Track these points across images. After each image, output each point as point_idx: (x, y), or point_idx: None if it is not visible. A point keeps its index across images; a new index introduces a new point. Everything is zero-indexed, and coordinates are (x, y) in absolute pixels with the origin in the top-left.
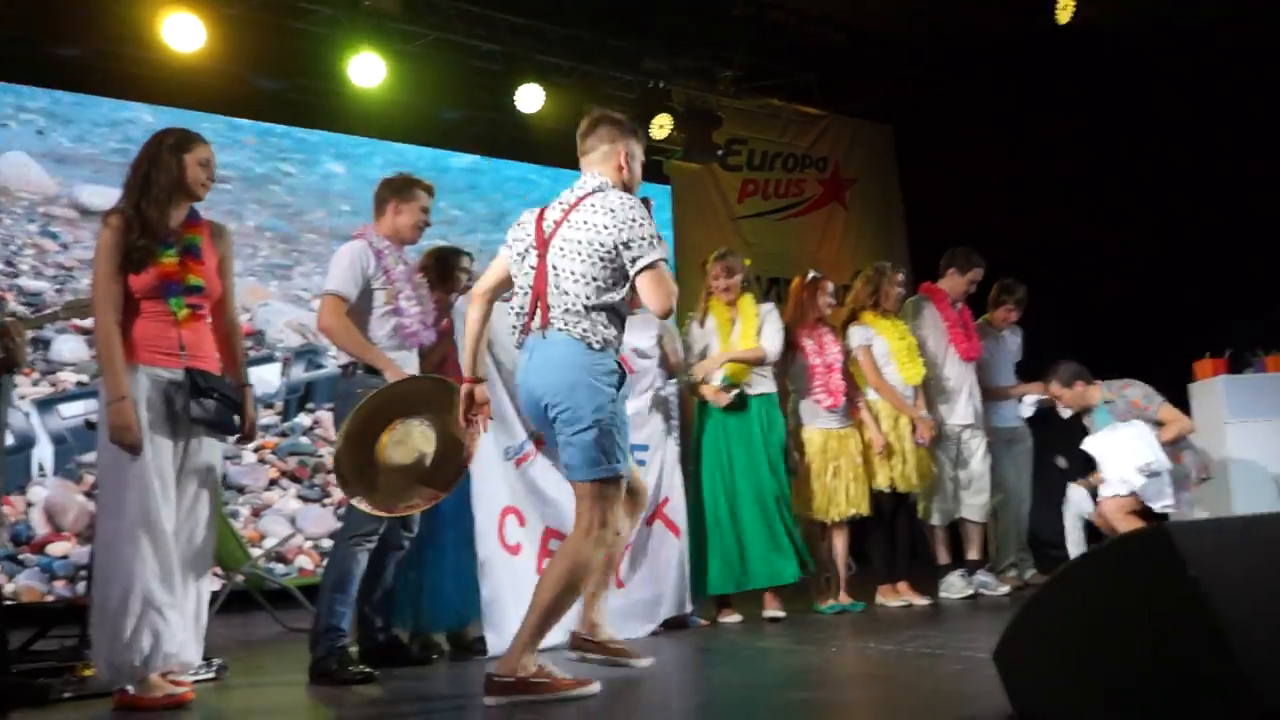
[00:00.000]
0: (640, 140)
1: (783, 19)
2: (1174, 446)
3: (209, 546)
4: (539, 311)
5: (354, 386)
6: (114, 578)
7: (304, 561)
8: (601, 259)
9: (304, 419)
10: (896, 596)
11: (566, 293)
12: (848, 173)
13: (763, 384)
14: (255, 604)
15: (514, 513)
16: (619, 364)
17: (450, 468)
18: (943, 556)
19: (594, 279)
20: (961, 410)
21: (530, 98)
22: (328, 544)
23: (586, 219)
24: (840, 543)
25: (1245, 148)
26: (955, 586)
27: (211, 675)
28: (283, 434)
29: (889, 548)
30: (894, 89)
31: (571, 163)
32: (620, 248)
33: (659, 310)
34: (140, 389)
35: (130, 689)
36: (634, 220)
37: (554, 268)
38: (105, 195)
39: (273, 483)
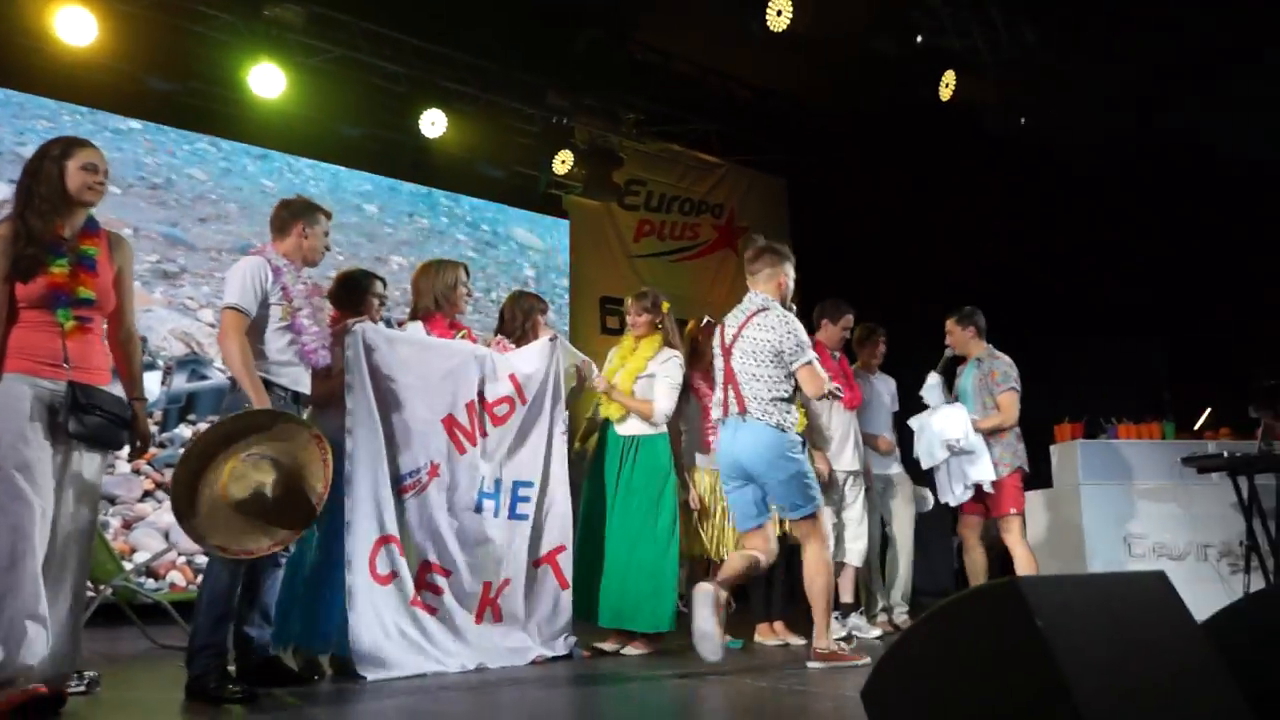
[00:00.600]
0: (792, 262)
1: (685, 69)
2: (993, 435)
3: (85, 559)
4: (734, 400)
5: (242, 400)
6: None
7: (176, 577)
8: (770, 361)
9: (184, 430)
10: (773, 636)
11: (755, 386)
12: (742, 221)
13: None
14: (124, 618)
15: (393, 542)
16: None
17: (300, 507)
18: (847, 594)
19: (768, 376)
20: (847, 457)
21: (433, 122)
22: (202, 560)
23: (756, 334)
24: None
25: (1113, 219)
26: (860, 627)
27: (82, 688)
28: (160, 445)
29: (767, 589)
30: (790, 144)
31: (469, 189)
32: (783, 353)
33: (812, 395)
34: (21, 398)
35: None
36: (790, 333)
37: (738, 369)
38: None
39: (147, 494)
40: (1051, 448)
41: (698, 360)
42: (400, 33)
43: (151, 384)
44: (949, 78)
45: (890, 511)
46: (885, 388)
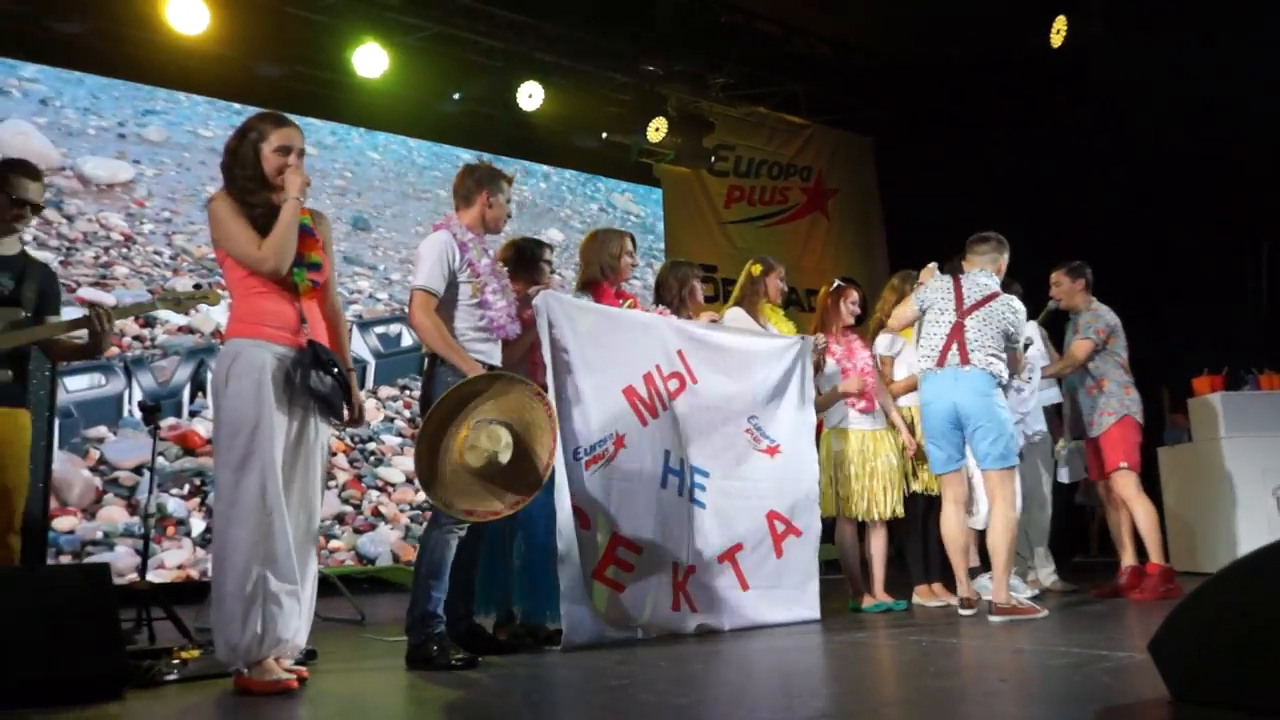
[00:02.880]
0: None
1: (770, 29)
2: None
3: (317, 528)
4: (958, 352)
5: (448, 374)
6: (229, 560)
7: None
8: (1000, 334)
9: None
10: (933, 597)
11: (982, 342)
12: (830, 183)
13: None
14: None
15: (579, 513)
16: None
17: (531, 470)
18: (973, 558)
19: (996, 344)
20: None
21: (531, 95)
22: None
23: (999, 310)
24: (878, 543)
25: (1219, 165)
26: (986, 588)
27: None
28: None
29: (924, 551)
30: (876, 101)
31: (564, 160)
32: (1011, 334)
33: (1016, 372)
34: (264, 366)
35: (245, 671)
36: (1020, 320)
37: (969, 327)
38: (109, 167)
39: None
40: (1190, 401)
41: (830, 323)
42: (494, 6)
43: None
44: (1060, 24)
45: (1037, 470)
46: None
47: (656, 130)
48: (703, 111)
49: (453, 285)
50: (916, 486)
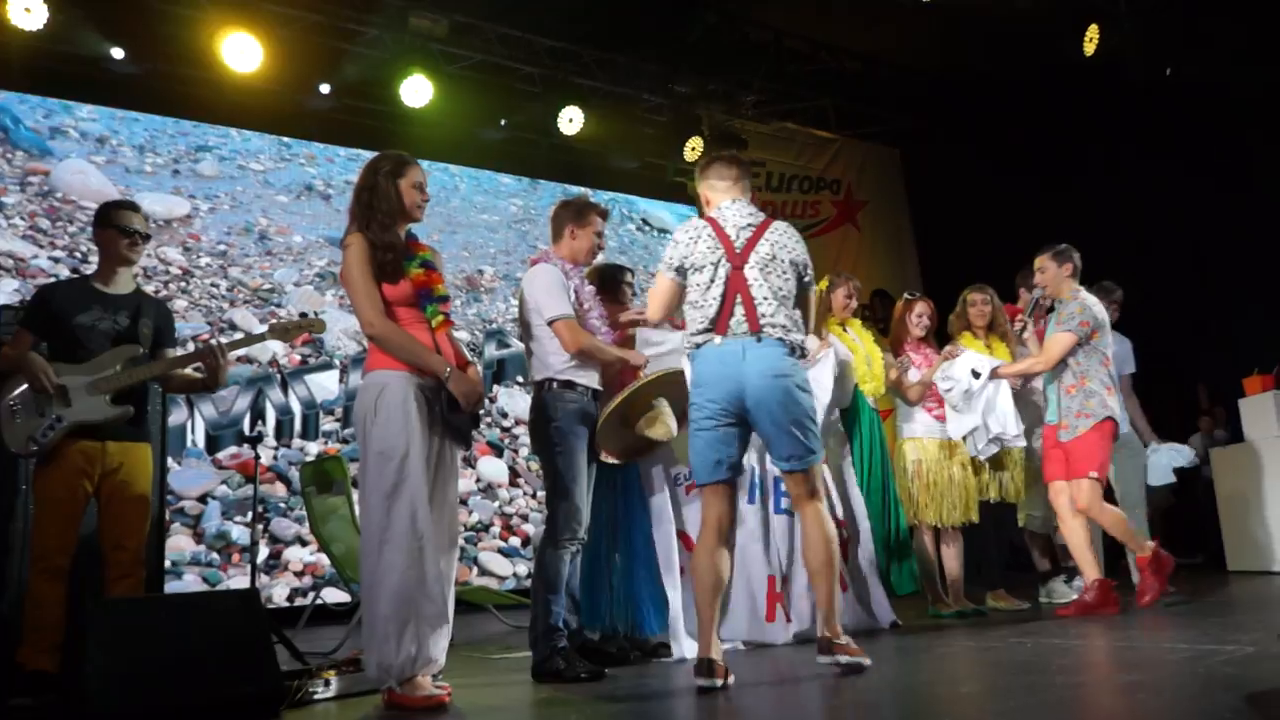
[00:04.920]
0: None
1: (798, 45)
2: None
3: (456, 550)
4: (746, 316)
5: (555, 400)
6: (381, 583)
7: None
8: (795, 276)
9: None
10: (1007, 601)
11: (773, 304)
12: (860, 195)
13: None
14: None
15: (684, 538)
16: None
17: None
18: (1042, 563)
19: (789, 293)
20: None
21: (571, 120)
22: None
23: (781, 244)
24: (954, 549)
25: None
26: (1059, 592)
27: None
28: (343, 440)
29: (994, 554)
30: (902, 114)
31: (603, 182)
32: (801, 263)
33: (813, 324)
34: (408, 396)
35: (397, 688)
36: (804, 246)
37: (756, 279)
38: (165, 203)
39: None
40: (1241, 401)
41: (906, 333)
42: (532, 33)
43: (330, 383)
44: (1093, 32)
45: (1124, 470)
46: (1122, 349)
47: (693, 149)
48: (735, 129)
49: None
50: (993, 495)
